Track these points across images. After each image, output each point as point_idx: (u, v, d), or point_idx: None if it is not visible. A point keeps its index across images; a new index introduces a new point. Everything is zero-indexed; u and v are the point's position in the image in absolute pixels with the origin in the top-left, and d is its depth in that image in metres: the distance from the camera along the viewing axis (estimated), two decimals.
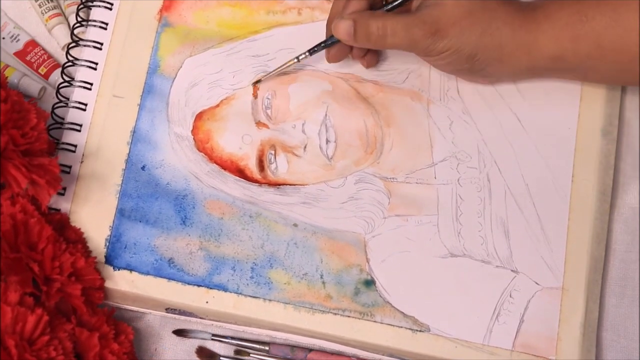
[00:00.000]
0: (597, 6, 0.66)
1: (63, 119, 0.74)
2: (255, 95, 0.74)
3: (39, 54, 0.78)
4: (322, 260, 0.71)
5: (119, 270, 0.71)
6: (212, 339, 0.72)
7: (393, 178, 0.73)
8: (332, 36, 0.70)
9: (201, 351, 0.72)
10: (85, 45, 0.75)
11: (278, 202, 0.73)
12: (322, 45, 0.71)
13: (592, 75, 0.71)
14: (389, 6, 0.70)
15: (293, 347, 0.72)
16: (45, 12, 0.78)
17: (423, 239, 0.72)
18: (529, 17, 0.68)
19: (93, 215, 0.72)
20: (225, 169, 0.73)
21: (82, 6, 0.76)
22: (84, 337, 0.65)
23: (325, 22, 0.73)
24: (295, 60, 0.72)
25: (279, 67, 0.73)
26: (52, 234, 0.66)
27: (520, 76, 0.73)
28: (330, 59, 0.72)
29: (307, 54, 0.72)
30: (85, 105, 0.74)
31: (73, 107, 0.74)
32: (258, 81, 0.74)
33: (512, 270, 0.71)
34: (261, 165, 0.73)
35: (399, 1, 0.70)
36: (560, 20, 0.67)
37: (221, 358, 0.72)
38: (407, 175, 0.73)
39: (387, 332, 0.70)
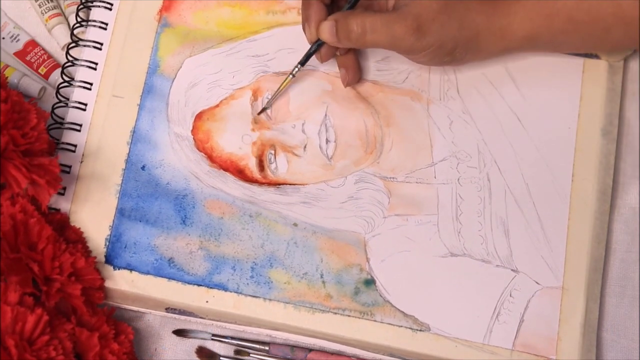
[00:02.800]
0: None
1: (63, 119, 0.74)
2: (255, 98, 0.74)
3: (39, 54, 0.78)
4: (322, 260, 0.71)
5: (119, 270, 0.71)
6: (212, 339, 0.72)
7: (393, 178, 0.73)
8: (316, 41, 0.71)
9: (201, 351, 0.72)
10: (85, 46, 0.75)
11: (278, 201, 0.72)
12: (310, 52, 0.72)
13: (565, 47, 0.72)
14: (349, 4, 0.70)
15: (293, 347, 0.72)
16: (45, 12, 0.78)
17: (423, 238, 0.72)
18: (500, 1, 0.68)
19: (93, 215, 0.72)
20: (225, 169, 0.73)
21: (82, 6, 0.76)
22: (84, 337, 0.65)
23: None
24: (291, 76, 0.72)
25: (278, 89, 0.73)
26: (52, 234, 0.66)
27: (493, 58, 0.73)
28: (322, 60, 0.73)
29: (299, 66, 0.72)
30: (85, 105, 0.74)
31: (73, 107, 0.74)
32: (263, 109, 0.74)
33: (512, 270, 0.71)
34: (261, 165, 0.73)
35: None
36: (532, 0, 0.67)
37: (221, 358, 0.72)
38: (407, 175, 0.73)
39: (387, 332, 0.70)
